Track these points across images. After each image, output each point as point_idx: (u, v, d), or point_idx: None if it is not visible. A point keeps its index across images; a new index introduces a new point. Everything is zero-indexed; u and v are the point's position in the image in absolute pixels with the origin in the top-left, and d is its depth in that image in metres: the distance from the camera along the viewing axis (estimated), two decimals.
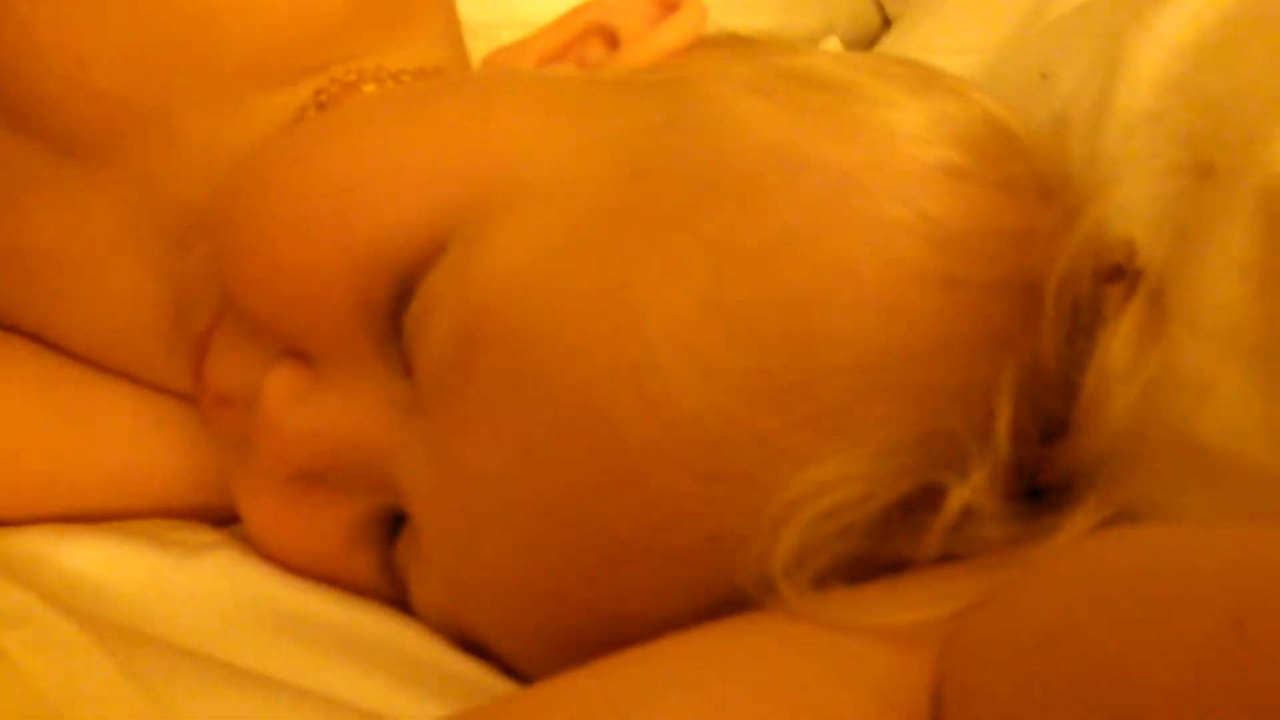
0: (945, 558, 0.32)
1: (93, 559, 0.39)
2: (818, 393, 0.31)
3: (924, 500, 0.31)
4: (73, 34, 0.39)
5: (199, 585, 0.39)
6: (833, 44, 0.77)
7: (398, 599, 0.39)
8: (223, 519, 0.44)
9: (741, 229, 0.32)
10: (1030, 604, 0.29)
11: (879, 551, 0.32)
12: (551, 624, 0.34)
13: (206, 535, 0.42)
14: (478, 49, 0.49)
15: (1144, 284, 0.34)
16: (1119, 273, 0.34)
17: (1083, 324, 0.33)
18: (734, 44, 0.41)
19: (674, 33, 0.41)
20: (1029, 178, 0.35)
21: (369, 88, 0.41)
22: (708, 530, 0.32)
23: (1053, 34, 0.50)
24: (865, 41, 0.80)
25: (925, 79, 0.37)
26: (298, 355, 0.37)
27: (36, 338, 0.44)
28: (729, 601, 0.32)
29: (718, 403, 0.31)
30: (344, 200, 0.36)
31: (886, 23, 0.82)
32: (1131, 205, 0.36)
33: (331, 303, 0.35)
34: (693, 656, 0.31)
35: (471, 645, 0.38)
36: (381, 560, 0.38)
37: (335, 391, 0.36)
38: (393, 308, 0.35)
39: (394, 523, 0.37)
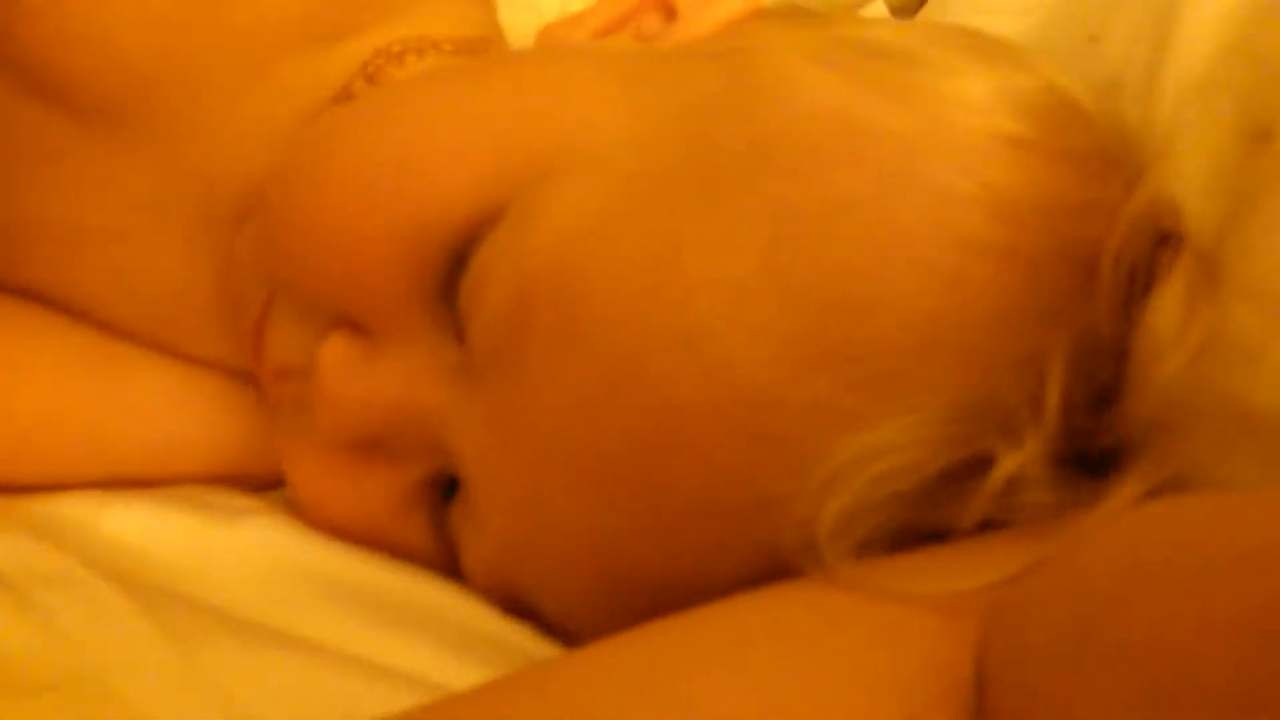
0: (989, 525, 0.32)
1: (132, 523, 0.40)
2: (872, 359, 0.31)
3: (972, 468, 0.31)
4: (106, 5, 0.39)
5: (238, 549, 0.39)
6: (878, 8, 0.76)
7: (446, 565, 0.39)
8: (261, 487, 0.44)
9: (799, 195, 0.32)
10: (1075, 576, 0.28)
11: (923, 518, 0.32)
12: (601, 584, 0.35)
13: (246, 500, 0.42)
14: (518, 17, 0.48)
15: (1188, 248, 0.33)
16: (1168, 239, 0.34)
17: (1136, 292, 0.33)
18: (795, 15, 0.41)
19: (731, 4, 0.41)
20: (1091, 149, 0.35)
21: (412, 59, 0.41)
22: (758, 491, 0.32)
23: None
24: (912, 6, 0.79)
25: (990, 49, 0.37)
26: (352, 325, 0.37)
27: (75, 311, 0.44)
28: (775, 567, 0.32)
29: (770, 365, 0.31)
30: (400, 172, 0.37)
31: None
32: (1186, 171, 0.35)
33: (387, 273, 0.36)
34: (732, 626, 0.31)
35: (517, 609, 0.38)
36: (433, 523, 0.38)
37: (390, 359, 0.36)
38: (447, 276, 0.35)
39: (446, 487, 0.38)
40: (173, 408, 0.44)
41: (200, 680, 0.33)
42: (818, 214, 0.32)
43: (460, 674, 0.35)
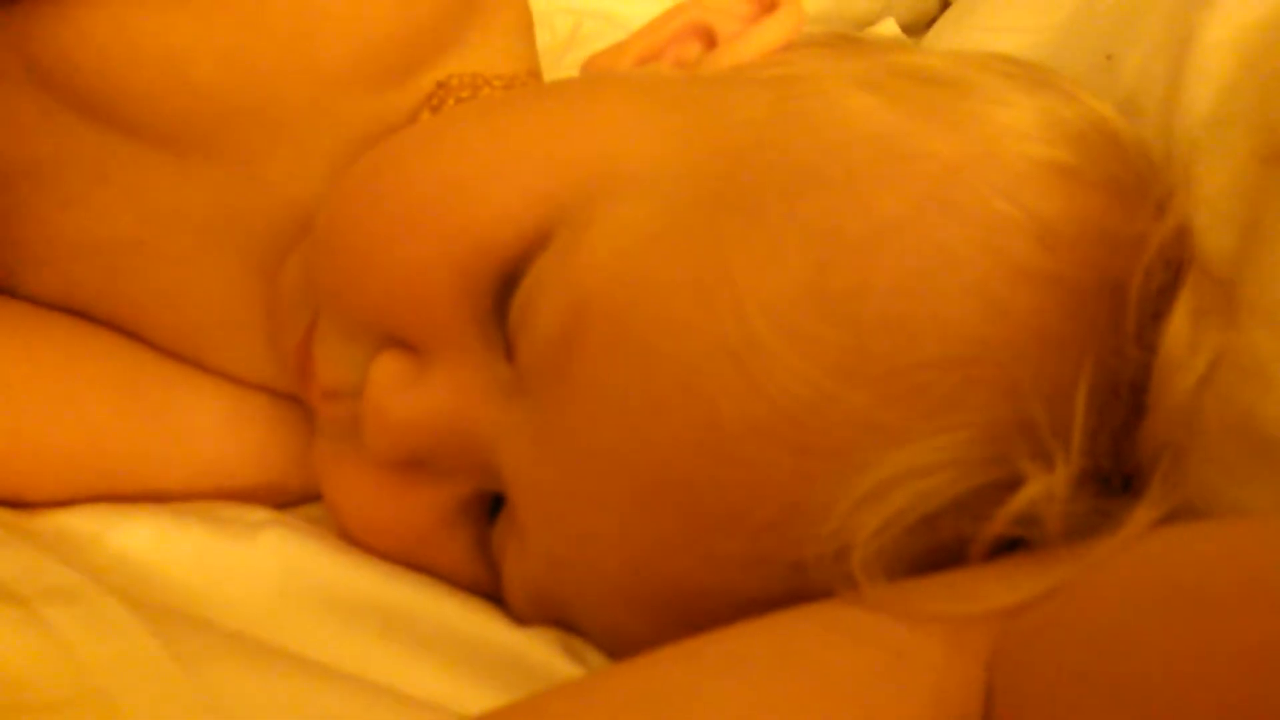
0: (1008, 544, 0.32)
1: (141, 538, 0.40)
2: (914, 377, 0.32)
3: (998, 487, 0.32)
4: (174, 31, 0.40)
5: (249, 563, 0.39)
6: (889, 26, 0.76)
7: (485, 584, 0.39)
8: (289, 503, 0.44)
9: (846, 216, 0.33)
10: (1084, 605, 0.28)
11: (946, 535, 0.32)
12: (642, 598, 0.35)
13: (258, 514, 0.42)
14: (537, 36, 0.49)
15: (1203, 272, 0.34)
16: (1187, 264, 0.34)
17: (1157, 317, 0.33)
18: (840, 43, 0.42)
19: (773, 31, 0.41)
20: (1127, 177, 0.35)
21: (467, 93, 0.42)
22: (797, 502, 0.32)
23: (1116, 13, 0.49)
24: (923, 23, 0.79)
25: (1036, 78, 0.38)
26: (401, 344, 0.38)
27: (125, 329, 0.45)
28: (800, 587, 0.32)
29: (814, 379, 0.32)
30: (452, 194, 0.37)
31: (945, 3, 0.81)
32: (1203, 195, 0.35)
33: (438, 294, 0.37)
34: (742, 653, 0.31)
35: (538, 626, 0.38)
36: (475, 541, 0.39)
37: (439, 378, 0.37)
38: (497, 296, 0.36)
39: (488, 506, 0.38)
40: (219, 431, 0.45)
41: (207, 702, 0.32)
42: (863, 234, 0.33)
43: (475, 697, 0.36)
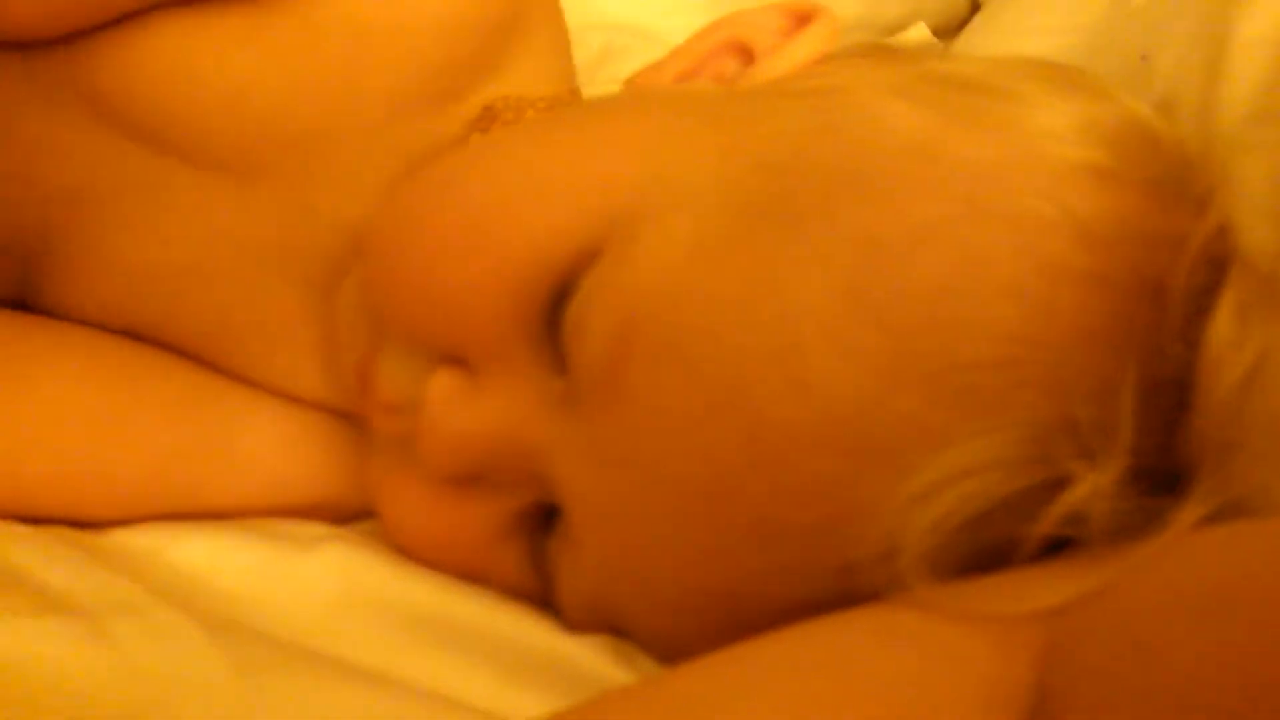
0: (1054, 544, 0.32)
1: (202, 552, 0.40)
2: (959, 379, 0.32)
3: (1046, 487, 0.32)
4: (233, 61, 0.41)
5: (308, 578, 0.40)
6: (920, 30, 0.76)
7: (538, 596, 0.40)
8: (345, 520, 0.45)
9: (886, 221, 0.33)
10: (1131, 605, 0.28)
11: (993, 535, 0.32)
12: (695, 605, 0.35)
13: (317, 529, 0.43)
14: None
15: (1247, 270, 0.34)
16: (1230, 263, 0.34)
17: (1200, 315, 0.33)
18: (877, 53, 0.42)
19: (809, 44, 0.42)
20: (1165, 177, 0.35)
21: (511, 116, 0.43)
22: (847, 505, 0.32)
23: (1148, 13, 0.49)
24: (953, 26, 0.79)
25: (1071, 81, 0.38)
26: (457, 361, 0.38)
27: (184, 350, 0.46)
28: (848, 589, 0.32)
29: (860, 381, 0.32)
30: (502, 213, 0.38)
31: (975, 6, 0.81)
32: (1246, 192, 0.35)
33: (491, 311, 0.37)
34: (795, 654, 0.31)
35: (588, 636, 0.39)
36: (529, 553, 0.39)
37: (494, 393, 0.38)
38: (550, 311, 0.37)
39: (542, 518, 0.39)
40: (276, 451, 0.45)
41: (267, 712, 0.33)
42: (902, 239, 0.33)
43: (529, 704, 0.36)
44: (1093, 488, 0.31)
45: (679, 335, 0.34)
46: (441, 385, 0.38)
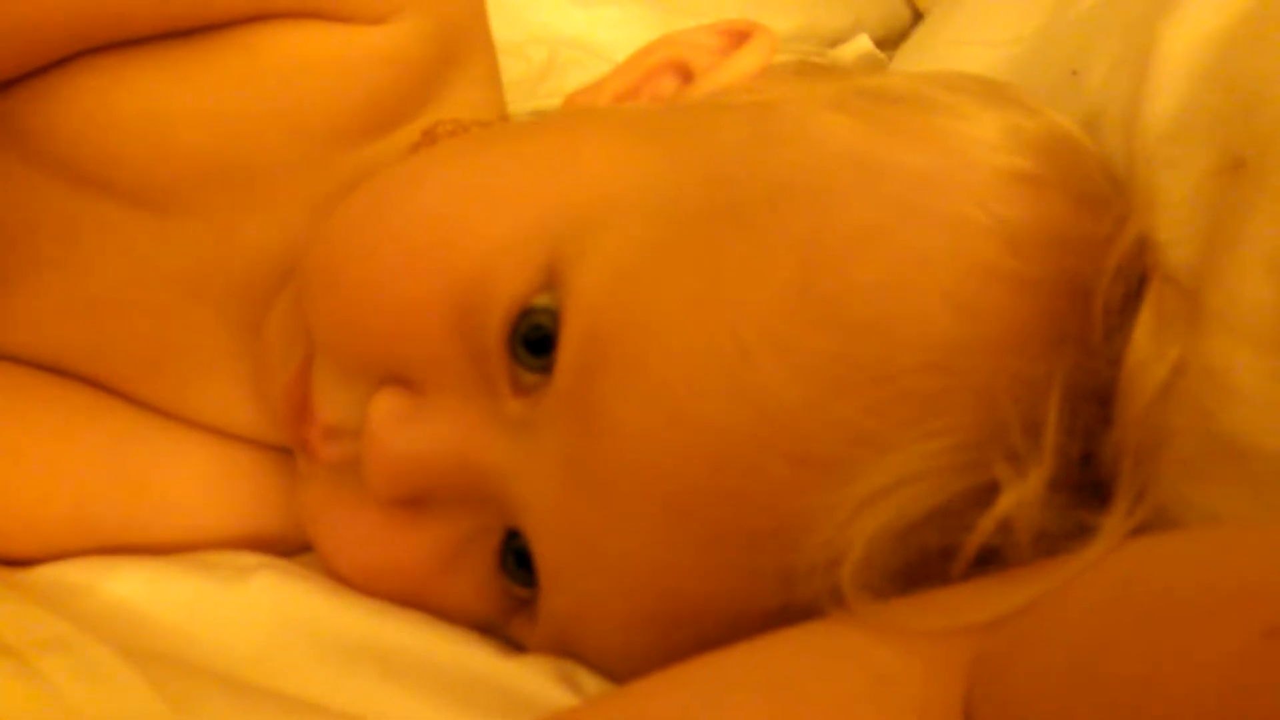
0: (985, 554, 0.32)
1: (135, 586, 0.40)
2: (896, 384, 0.32)
3: (975, 495, 0.32)
4: (157, 95, 0.40)
5: (242, 608, 0.39)
6: (862, 42, 0.76)
7: (484, 622, 0.40)
8: (285, 555, 0.44)
9: (825, 225, 0.34)
10: (1064, 616, 0.29)
11: (931, 545, 0.33)
12: (659, 619, 0.35)
13: (250, 559, 0.43)
14: (509, 66, 0.49)
15: (1158, 276, 0.35)
16: (1152, 274, 0.35)
17: (1122, 326, 0.34)
18: (808, 69, 0.43)
19: (746, 61, 0.42)
20: (1089, 186, 0.36)
21: (447, 139, 0.43)
22: (791, 514, 0.33)
23: (1082, 27, 0.49)
24: (895, 37, 0.80)
25: (998, 93, 0.39)
26: (398, 381, 0.38)
27: (113, 386, 0.45)
28: (789, 604, 0.32)
29: (801, 387, 0.32)
30: (442, 231, 0.38)
31: (917, 17, 0.81)
32: (1166, 204, 0.36)
33: (435, 329, 0.37)
34: (730, 677, 0.31)
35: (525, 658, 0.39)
36: (481, 578, 0.39)
37: (440, 412, 0.37)
38: (498, 329, 0.36)
39: (491, 540, 0.38)
40: (204, 492, 0.45)
41: None
42: (842, 240, 0.33)
43: None
44: (1020, 495, 0.32)
45: (635, 346, 0.34)
46: (384, 405, 0.37)
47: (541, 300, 0.36)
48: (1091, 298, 0.34)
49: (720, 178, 0.36)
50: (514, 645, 0.40)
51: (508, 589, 0.39)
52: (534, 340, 0.36)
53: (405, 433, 0.37)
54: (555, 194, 0.37)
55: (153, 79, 0.40)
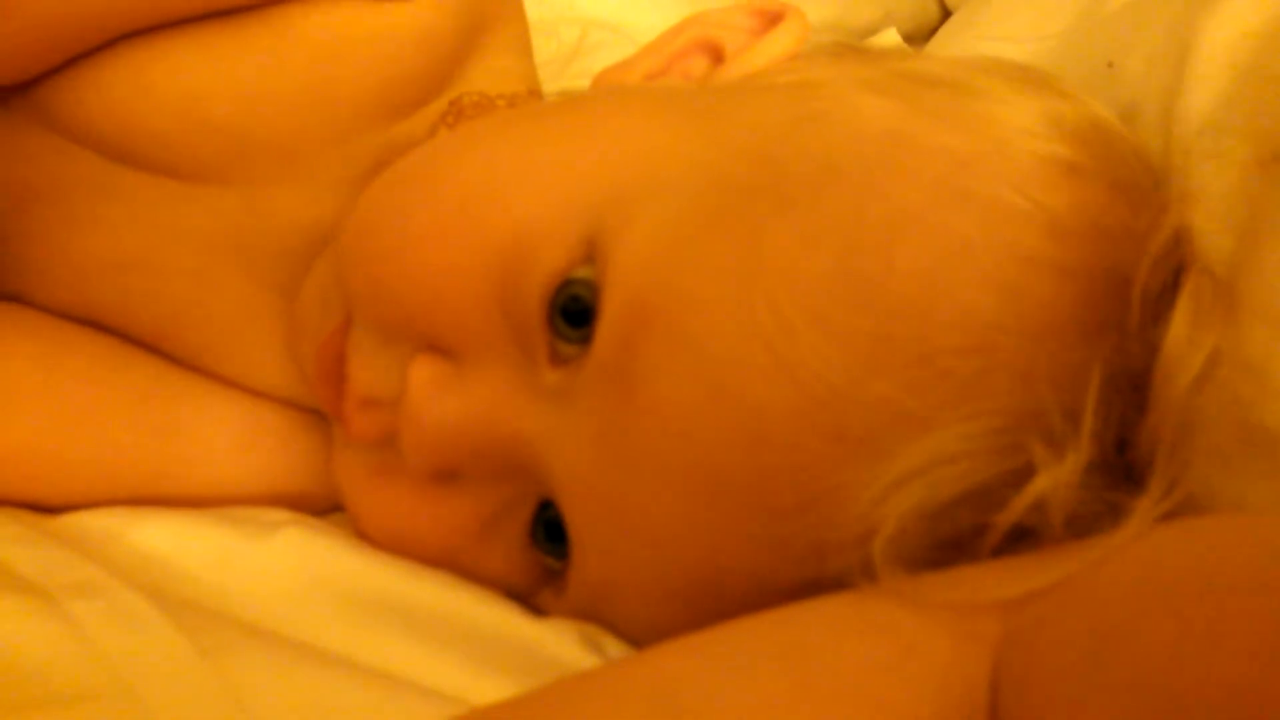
0: (1018, 536, 0.33)
1: (163, 536, 0.40)
2: (937, 364, 0.32)
3: (1012, 475, 0.32)
4: (191, 73, 0.41)
5: (268, 562, 0.40)
6: (891, 35, 0.77)
7: (520, 590, 0.40)
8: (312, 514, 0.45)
9: (869, 207, 0.34)
10: (1092, 596, 0.29)
11: (964, 523, 0.33)
12: (689, 591, 0.35)
13: (275, 514, 0.43)
14: (540, 45, 0.50)
15: (1195, 267, 0.35)
16: (1189, 265, 0.35)
17: (1159, 316, 0.34)
18: (845, 51, 0.43)
19: (779, 43, 0.42)
20: (1128, 176, 0.36)
21: (473, 112, 0.43)
22: (828, 489, 0.33)
23: (1118, 22, 0.49)
24: (924, 32, 0.80)
25: (1036, 80, 0.39)
26: (437, 349, 0.38)
27: (143, 343, 0.46)
28: (818, 576, 0.33)
29: (842, 364, 0.32)
30: (485, 201, 0.38)
31: (945, 13, 0.81)
32: (1204, 196, 0.36)
33: (474, 299, 0.37)
34: (753, 643, 0.31)
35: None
36: (515, 548, 0.39)
37: (479, 381, 0.37)
38: (538, 300, 0.36)
39: (526, 510, 0.39)
40: (231, 448, 0.45)
41: (231, 694, 0.33)
42: (884, 221, 0.33)
43: (492, 688, 0.36)
44: (1055, 478, 0.32)
45: (678, 318, 0.34)
46: (424, 373, 0.37)
47: (581, 272, 0.36)
48: (1130, 286, 0.34)
49: (762, 157, 0.36)
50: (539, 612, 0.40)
51: (538, 560, 0.39)
52: (572, 312, 0.36)
53: (444, 402, 0.37)
54: (595, 167, 0.37)
55: (188, 58, 0.40)
